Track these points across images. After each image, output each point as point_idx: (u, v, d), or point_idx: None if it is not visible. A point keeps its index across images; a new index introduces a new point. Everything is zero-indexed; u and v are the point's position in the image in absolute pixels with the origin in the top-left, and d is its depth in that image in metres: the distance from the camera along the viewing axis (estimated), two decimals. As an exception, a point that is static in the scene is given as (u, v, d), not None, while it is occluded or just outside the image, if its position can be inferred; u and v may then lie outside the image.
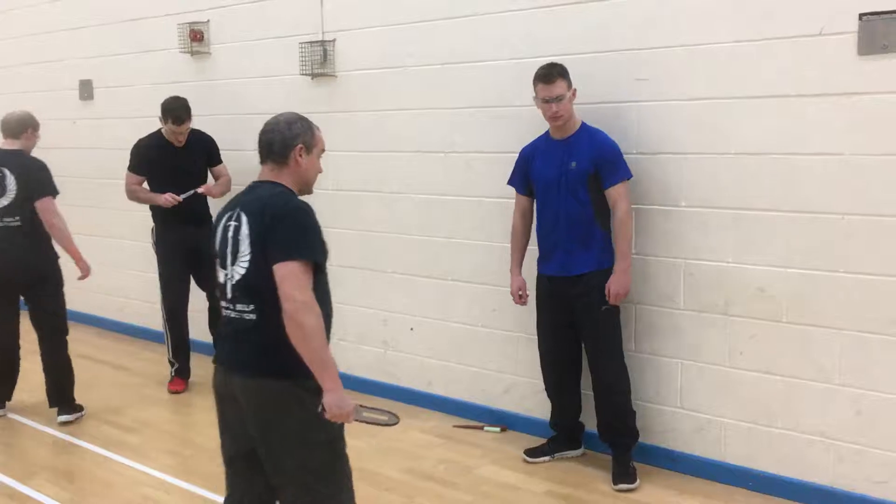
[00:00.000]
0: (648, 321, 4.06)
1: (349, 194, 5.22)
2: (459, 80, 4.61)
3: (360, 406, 2.66)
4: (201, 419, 4.95)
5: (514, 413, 4.61)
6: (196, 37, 5.83)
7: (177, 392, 5.42)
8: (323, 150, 2.81)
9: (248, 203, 2.63)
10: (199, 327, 5.84)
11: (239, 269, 2.58)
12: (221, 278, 2.66)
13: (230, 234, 2.62)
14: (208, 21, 5.82)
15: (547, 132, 4.01)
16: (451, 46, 4.63)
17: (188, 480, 4.07)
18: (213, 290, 5.32)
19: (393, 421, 2.78)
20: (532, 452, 4.23)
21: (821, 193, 3.53)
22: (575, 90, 3.89)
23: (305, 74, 5.23)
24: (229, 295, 2.62)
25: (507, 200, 4.47)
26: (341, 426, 2.66)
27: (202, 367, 5.86)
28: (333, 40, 5.14)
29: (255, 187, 2.71)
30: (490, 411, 4.67)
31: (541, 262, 4.07)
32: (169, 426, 4.84)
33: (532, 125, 4.31)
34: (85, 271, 5.24)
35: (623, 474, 3.91)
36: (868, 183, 3.42)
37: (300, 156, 2.68)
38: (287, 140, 2.66)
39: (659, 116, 3.92)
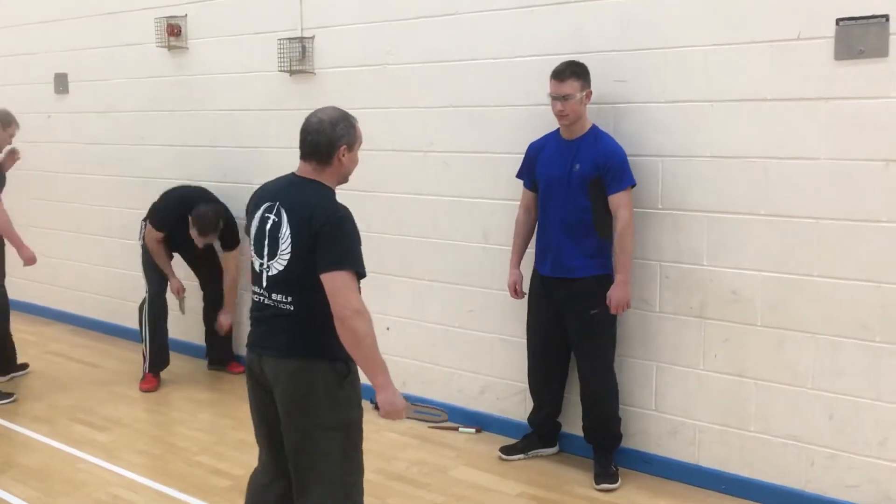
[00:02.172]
0: (625, 324, 4.05)
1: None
2: (438, 79, 4.59)
3: (411, 405, 2.83)
4: (172, 418, 4.91)
5: (489, 414, 4.59)
6: (173, 31, 5.76)
7: (149, 390, 5.35)
8: (361, 143, 2.86)
9: (292, 202, 2.70)
10: (177, 328, 5.79)
11: (277, 265, 2.69)
12: (256, 267, 2.77)
13: (268, 226, 2.72)
14: (186, 15, 5.76)
15: (558, 129, 3.96)
16: (431, 45, 4.60)
17: (158, 480, 4.02)
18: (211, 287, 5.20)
19: (442, 417, 3.07)
20: (507, 450, 4.24)
21: (796, 197, 3.54)
22: (590, 92, 3.82)
23: (284, 71, 5.19)
24: (265, 284, 2.73)
25: (485, 201, 4.47)
26: (360, 417, 2.77)
27: (175, 366, 5.82)
28: (312, 37, 5.11)
29: (296, 183, 2.76)
30: (465, 412, 4.65)
31: (537, 259, 4.05)
32: (140, 425, 4.78)
33: (511, 125, 4.31)
34: (29, 260, 5.15)
35: (605, 475, 3.91)
36: (842, 188, 3.44)
37: (343, 155, 2.75)
38: (332, 141, 2.72)
39: (636, 118, 3.92)
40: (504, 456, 4.21)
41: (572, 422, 4.21)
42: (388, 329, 4.98)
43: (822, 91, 3.44)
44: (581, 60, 3.97)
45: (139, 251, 5.97)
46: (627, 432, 4.07)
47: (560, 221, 3.88)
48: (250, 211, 2.85)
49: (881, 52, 3.30)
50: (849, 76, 3.38)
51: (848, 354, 3.49)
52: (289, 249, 2.66)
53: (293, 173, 2.81)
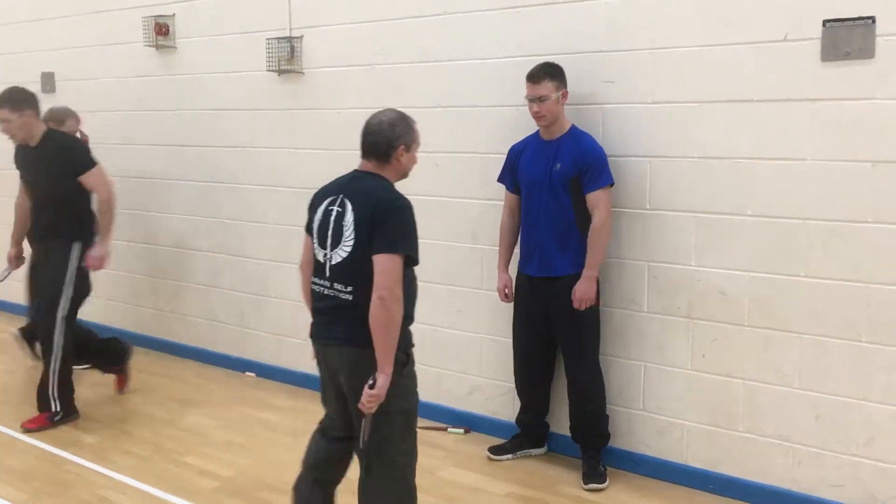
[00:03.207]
0: (612, 323, 4.06)
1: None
2: (427, 79, 4.59)
3: None
4: (160, 419, 4.89)
5: (478, 414, 4.59)
6: (161, 30, 5.74)
7: (123, 390, 5.28)
8: (419, 145, 3.03)
9: (355, 193, 2.88)
10: (160, 327, 5.77)
11: (340, 253, 2.85)
12: (321, 258, 2.92)
13: (332, 217, 2.88)
14: (174, 15, 5.73)
15: (537, 131, 3.99)
16: (419, 45, 4.60)
17: (145, 481, 4.00)
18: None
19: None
20: (496, 450, 4.24)
21: (783, 198, 3.56)
22: (566, 92, 3.85)
23: (272, 71, 5.18)
24: (327, 274, 2.89)
25: (474, 201, 4.47)
26: (416, 404, 2.99)
27: (162, 367, 5.79)
28: (301, 37, 5.09)
29: (359, 177, 2.94)
30: (454, 413, 4.65)
31: (522, 260, 4.06)
32: (127, 426, 4.76)
33: (500, 125, 4.31)
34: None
35: (593, 474, 3.92)
36: (829, 188, 3.45)
37: (401, 155, 2.92)
38: (391, 141, 2.90)
39: (624, 119, 3.93)
40: (493, 456, 4.22)
41: (560, 422, 4.21)
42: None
43: (808, 92, 3.46)
44: (566, 61, 3.99)
45: (120, 249, 5.93)
46: (615, 432, 4.08)
47: (544, 222, 3.89)
48: (313, 207, 3.01)
49: (867, 53, 3.31)
50: (835, 77, 3.40)
51: (835, 354, 3.51)
52: (352, 236, 2.81)
53: (355, 170, 2.99)
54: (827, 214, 3.47)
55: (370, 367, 2.78)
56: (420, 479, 3.97)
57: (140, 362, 5.87)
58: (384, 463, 2.92)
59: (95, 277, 6.52)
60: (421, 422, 4.59)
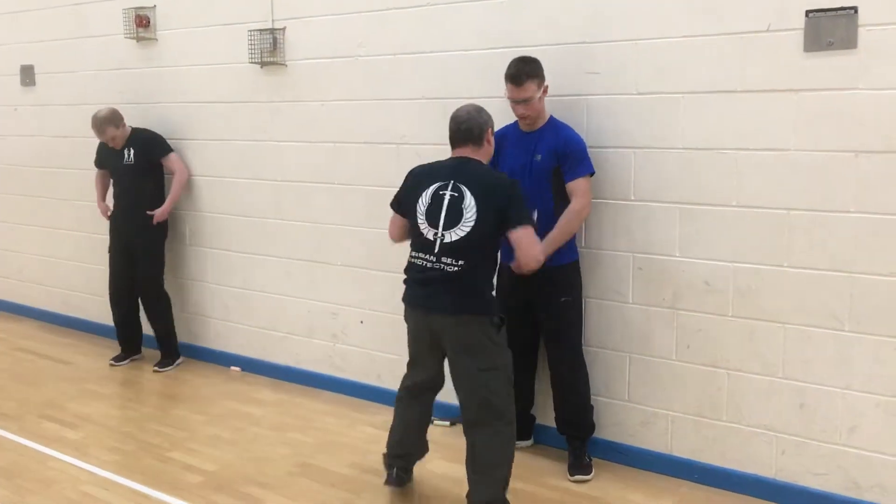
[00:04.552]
0: (597, 314, 4.07)
1: (298, 185, 5.15)
2: (410, 71, 4.57)
3: None
4: (144, 414, 4.86)
5: (463, 407, 4.59)
6: (142, 22, 5.68)
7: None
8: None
9: (471, 179, 3.30)
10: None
11: (458, 233, 3.27)
12: (430, 236, 3.32)
13: (446, 201, 3.29)
14: (154, 6, 5.68)
15: (516, 121, 3.96)
16: (402, 37, 4.58)
17: (129, 477, 3.97)
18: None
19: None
20: None
21: (766, 189, 3.57)
22: (546, 87, 3.82)
23: (254, 63, 5.14)
24: (436, 250, 3.30)
25: (458, 193, 4.45)
26: (511, 358, 3.44)
27: (145, 362, 5.76)
28: (283, 28, 5.06)
29: (465, 163, 3.37)
30: (439, 405, 4.63)
31: (504, 252, 4.01)
32: (111, 422, 4.73)
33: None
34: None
35: (579, 466, 3.93)
36: (813, 179, 3.46)
37: (490, 136, 3.43)
38: (482, 126, 3.39)
39: (608, 110, 3.92)
40: None
41: (547, 413, 4.22)
42: (361, 322, 4.97)
43: (791, 83, 3.46)
44: (550, 53, 3.99)
45: (107, 245, 5.89)
46: (601, 423, 4.09)
47: None
48: (412, 188, 3.43)
49: (850, 43, 3.32)
50: (818, 68, 3.40)
51: (818, 344, 3.52)
52: (473, 218, 3.25)
53: (456, 157, 3.41)
54: (810, 205, 3.48)
55: (477, 333, 3.31)
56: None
57: (126, 363, 5.85)
58: (494, 413, 3.37)
59: (89, 272, 6.47)
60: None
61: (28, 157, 6.78)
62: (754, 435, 3.72)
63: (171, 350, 5.68)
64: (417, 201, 3.39)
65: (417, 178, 3.47)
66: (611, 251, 3.99)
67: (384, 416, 4.56)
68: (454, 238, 3.27)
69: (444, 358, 3.54)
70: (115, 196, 5.69)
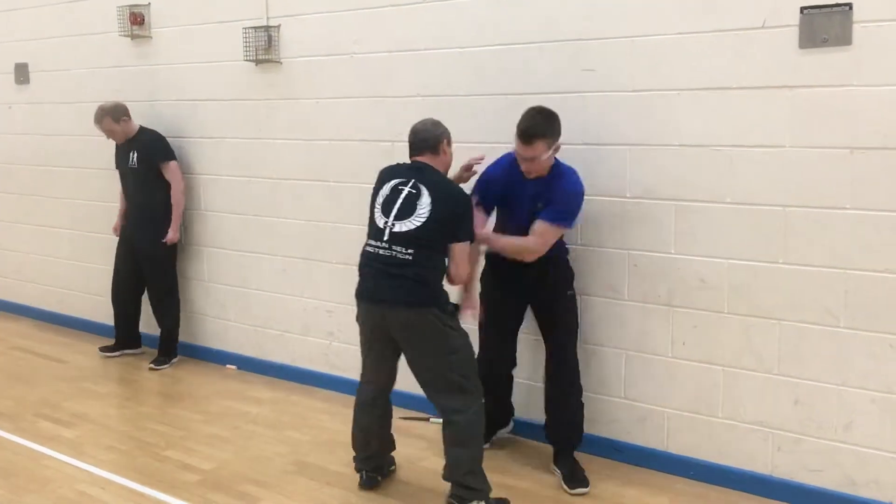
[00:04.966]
0: (593, 312, 4.07)
1: (293, 183, 5.15)
2: (405, 68, 4.56)
3: None
4: (140, 413, 4.86)
5: (460, 404, 4.59)
6: (136, 20, 5.67)
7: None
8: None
9: (430, 182, 3.47)
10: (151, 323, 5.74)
11: (408, 225, 3.41)
12: (380, 224, 3.47)
13: (403, 195, 3.45)
14: (149, 4, 5.66)
15: (514, 157, 3.73)
16: (397, 34, 4.57)
17: (125, 476, 3.97)
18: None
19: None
20: None
21: (761, 186, 3.57)
22: (558, 146, 3.62)
23: (249, 60, 5.13)
24: (385, 237, 3.44)
25: (453, 190, 4.45)
26: (466, 333, 3.57)
27: (143, 360, 5.76)
28: (278, 26, 5.05)
29: (423, 167, 3.55)
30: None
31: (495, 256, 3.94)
32: (107, 420, 4.72)
33: (478, 115, 4.29)
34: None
35: (577, 479, 3.82)
36: (808, 176, 3.46)
37: (446, 147, 3.62)
38: (438, 136, 3.59)
39: (603, 107, 3.92)
40: None
41: (541, 410, 4.21)
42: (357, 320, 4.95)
43: (786, 79, 3.46)
44: (546, 49, 3.99)
45: (105, 243, 5.90)
46: (597, 420, 4.09)
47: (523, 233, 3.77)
48: (380, 182, 3.59)
49: (845, 40, 3.32)
50: (813, 64, 3.40)
51: (813, 340, 3.53)
52: (426, 215, 3.39)
53: (416, 161, 3.58)
54: (805, 201, 3.48)
55: (425, 321, 3.40)
56: (403, 470, 4.00)
57: (117, 356, 5.84)
58: (466, 395, 3.51)
59: (85, 270, 6.48)
60: (402, 412, 4.66)
61: (23, 156, 6.77)
62: (750, 431, 3.72)
63: (171, 349, 5.68)
64: (377, 194, 3.56)
65: (381, 176, 3.63)
66: (606, 248, 3.99)
67: (380, 414, 4.56)
68: (404, 229, 3.41)
69: (397, 356, 3.63)
70: (125, 198, 5.67)
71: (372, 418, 3.76)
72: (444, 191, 3.49)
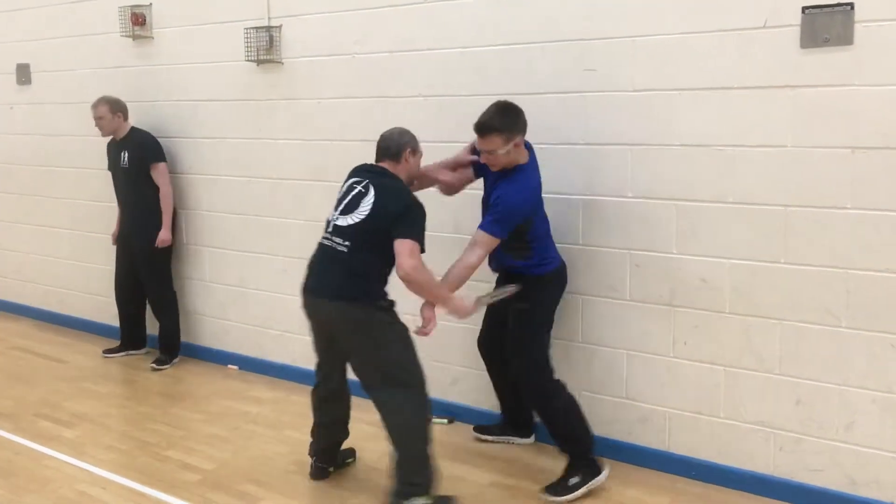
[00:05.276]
0: (594, 312, 4.07)
1: (294, 183, 5.15)
2: (407, 68, 4.56)
3: (480, 297, 3.73)
4: (141, 413, 4.85)
5: (461, 405, 4.59)
6: (138, 20, 5.67)
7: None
8: (422, 154, 3.77)
9: (379, 185, 3.54)
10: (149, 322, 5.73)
11: (349, 220, 3.49)
12: (330, 217, 3.61)
13: (353, 192, 3.55)
14: (150, 4, 5.67)
15: None
16: (399, 34, 4.57)
17: (126, 476, 3.97)
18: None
19: (515, 289, 3.72)
20: (481, 429, 4.33)
21: (763, 185, 3.57)
22: (519, 142, 3.59)
23: (251, 61, 5.13)
24: (330, 229, 3.57)
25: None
26: (406, 329, 3.56)
27: (143, 360, 5.76)
28: (280, 26, 5.05)
29: (382, 171, 3.63)
30: (437, 403, 4.63)
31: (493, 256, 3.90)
32: (107, 420, 4.72)
33: (478, 115, 4.28)
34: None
35: (555, 486, 3.73)
36: (809, 175, 3.47)
37: (409, 156, 3.66)
38: (400, 145, 3.65)
39: (605, 107, 3.92)
40: (477, 434, 4.30)
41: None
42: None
43: (788, 79, 3.46)
44: (548, 49, 3.99)
45: (105, 243, 5.90)
46: (598, 420, 4.08)
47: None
48: (345, 180, 3.69)
49: (846, 39, 3.32)
50: (814, 64, 3.40)
51: (814, 340, 3.53)
52: (367, 212, 3.46)
53: (376, 164, 3.66)
54: (806, 201, 3.48)
55: (359, 313, 3.44)
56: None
57: (121, 357, 5.84)
58: (402, 387, 3.50)
59: (85, 270, 6.48)
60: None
61: (24, 156, 6.77)
62: (751, 431, 3.72)
63: (172, 349, 5.68)
64: (342, 186, 3.68)
65: (348, 174, 3.72)
66: (607, 248, 3.99)
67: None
68: (344, 223, 3.51)
69: (344, 359, 3.70)
70: (118, 198, 5.69)
71: (325, 410, 3.85)
72: (391, 192, 3.51)
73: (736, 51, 3.56)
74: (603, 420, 4.10)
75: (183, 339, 5.79)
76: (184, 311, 5.81)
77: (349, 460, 4.09)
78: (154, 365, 5.58)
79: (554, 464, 4.01)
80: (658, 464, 3.96)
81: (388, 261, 3.46)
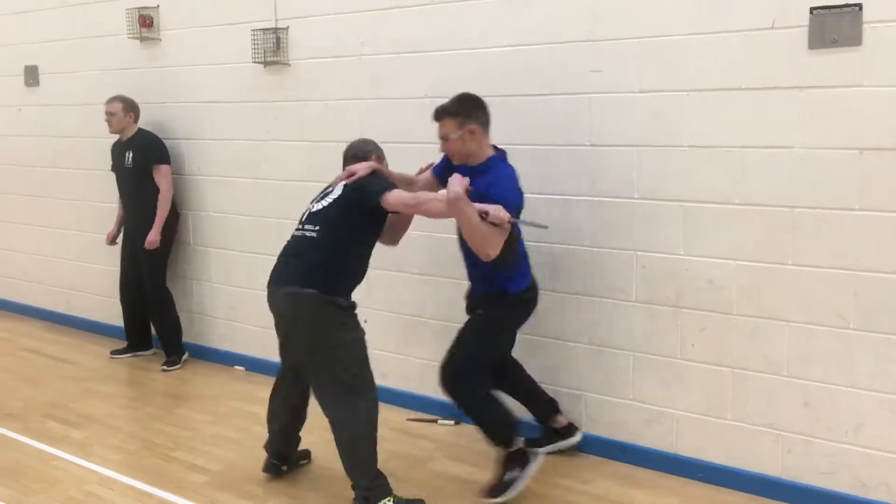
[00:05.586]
0: (601, 313, 4.06)
1: (301, 185, 5.15)
2: (414, 70, 4.57)
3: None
4: (148, 414, 4.86)
5: (467, 406, 4.58)
6: (145, 22, 5.69)
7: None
8: (387, 164, 3.88)
9: (344, 187, 3.62)
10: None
11: (319, 206, 3.61)
12: (303, 210, 3.73)
13: (323, 191, 3.72)
14: (158, 6, 5.68)
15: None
16: (405, 36, 4.57)
17: (133, 477, 3.98)
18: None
19: (544, 225, 3.61)
20: (531, 443, 3.95)
21: (771, 186, 3.56)
22: (473, 128, 3.58)
23: (258, 62, 5.14)
24: (303, 218, 3.65)
25: (461, 192, 4.45)
26: (361, 331, 3.59)
27: (149, 361, 5.77)
28: (286, 28, 5.06)
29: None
30: (444, 405, 4.63)
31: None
32: (114, 421, 4.73)
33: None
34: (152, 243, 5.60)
35: (489, 486, 3.69)
36: (817, 176, 3.45)
37: (374, 161, 3.75)
38: (367, 152, 3.80)
39: (611, 108, 3.91)
40: (530, 450, 3.85)
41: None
42: (365, 321, 4.95)
43: (796, 80, 3.45)
44: (554, 50, 3.99)
45: (110, 246, 5.90)
46: (604, 422, 4.09)
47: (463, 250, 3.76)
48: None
49: (854, 40, 3.31)
50: (823, 65, 3.39)
51: (822, 341, 3.51)
52: (333, 197, 3.57)
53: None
54: (814, 202, 3.47)
55: (316, 307, 3.44)
56: (410, 472, 4.00)
57: (127, 358, 5.85)
58: (349, 391, 3.49)
59: (91, 271, 6.50)
60: (411, 414, 4.66)
61: (32, 158, 6.79)
62: (759, 433, 3.71)
63: (177, 349, 5.69)
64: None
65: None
66: (614, 249, 3.98)
67: (389, 416, 4.56)
68: (317, 208, 3.60)
69: (297, 356, 3.66)
70: (121, 198, 5.71)
71: (281, 406, 3.86)
72: (354, 184, 3.59)
73: (743, 51, 3.55)
74: (610, 422, 4.09)
75: (190, 340, 5.80)
76: (190, 313, 5.82)
77: (303, 462, 4.08)
78: (164, 367, 5.59)
79: (562, 464, 4.00)
80: (665, 466, 3.95)
81: (359, 251, 3.53)
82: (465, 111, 3.65)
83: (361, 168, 3.64)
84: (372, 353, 5.04)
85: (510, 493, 3.66)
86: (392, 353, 4.83)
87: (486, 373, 3.77)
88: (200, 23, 5.49)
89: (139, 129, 5.61)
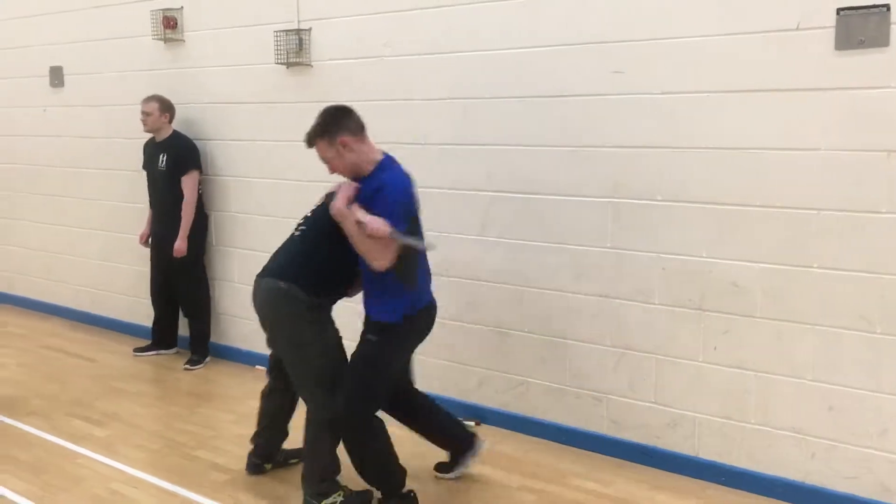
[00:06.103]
0: (623, 315, 4.04)
1: (323, 186, 5.13)
2: (434, 71, 4.57)
3: (394, 231, 3.30)
4: (170, 413, 4.90)
5: (488, 407, 4.58)
6: (169, 24, 5.73)
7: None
8: None
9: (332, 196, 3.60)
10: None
11: (314, 206, 3.72)
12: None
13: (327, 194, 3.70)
14: (182, 7, 5.72)
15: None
16: (426, 37, 4.57)
17: (156, 475, 4.01)
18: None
19: (426, 247, 3.51)
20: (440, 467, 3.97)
21: (796, 188, 3.53)
22: (344, 140, 3.47)
23: (280, 63, 5.17)
24: (301, 221, 3.73)
25: (481, 193, 4.45)
26: (333, 332, 3.62)
27: (173, 360, 5.81)
28: (309, 29, 5.08)
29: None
30: (463, 405, 4.64)
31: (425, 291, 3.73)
32: (138, 420, 4.77)
33: (505, 117, 4.28)
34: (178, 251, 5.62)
35: None
36: (843, 178, 3.42)
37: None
38: None
39: (631, 110, 3.90)
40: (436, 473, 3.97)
41: (567, 412, 4.19)
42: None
43: (822, 81, 3.42)
44: (573, 52, 3.99)
45: (134, 243, 5.96)
46: (626, 424, 4.07)
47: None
48: None
49: (881, 41, 3.28)
50: (849, 66, 3.36)
51: (847, 346, 3.48)
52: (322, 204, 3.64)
53: None
54: (840, 205, 3.44)
55: (283, 297, 3.46)
56: (429, 473, 3.99)
57: (151, 356, 5.90)
58: (316, 392, 3.53)
59: (115, 270, 6.55)
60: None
61: (56, 158, 6.86)
62: (783, 438, 3.68)
63: (203, 350, 5.74)
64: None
65: None
66: (636, 251, 3.96)
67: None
68: (310, 210, 3.73)
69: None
70: (153, 200, 5.75)
71: (269, 404, 3.95)
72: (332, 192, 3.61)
73: (768, 53, 3.53)
74: (631, 425, 4.07)
75: (213, 339, 5.83)
76: (213, 313, 5.85)
77: (291, 461, 4.05)
78: (187, 366, 5.63)
79: (576, 464, 4.00)
80: (687, 469, 3.93)
81: (339, 251, 3.39)
82: (330, 127, 3.54)
83: (343, 191, 3.44)
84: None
85: None
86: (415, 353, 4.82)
87: (377, 405, 3.58)
88: (224, 24, 5.52)
89: (174, 132, 5.64)
